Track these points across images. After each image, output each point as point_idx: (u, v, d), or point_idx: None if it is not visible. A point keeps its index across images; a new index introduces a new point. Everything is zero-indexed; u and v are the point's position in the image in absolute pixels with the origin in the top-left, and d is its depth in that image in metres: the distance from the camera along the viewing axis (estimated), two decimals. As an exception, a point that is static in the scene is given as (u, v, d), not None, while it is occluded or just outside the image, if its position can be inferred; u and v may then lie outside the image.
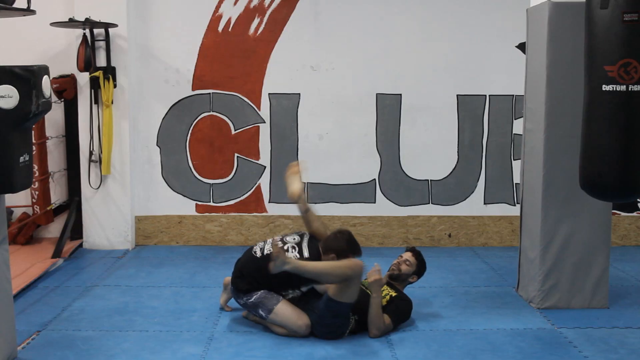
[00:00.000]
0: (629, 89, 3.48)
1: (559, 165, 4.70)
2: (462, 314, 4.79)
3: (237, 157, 6.66)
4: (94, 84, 6.25)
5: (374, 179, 6.70)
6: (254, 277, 4.40)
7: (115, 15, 6.21)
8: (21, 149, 3.66)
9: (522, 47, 6.14)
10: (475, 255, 6.44)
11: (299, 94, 6.62)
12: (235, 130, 6.64)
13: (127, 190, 6.51)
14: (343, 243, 4.44)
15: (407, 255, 4.71)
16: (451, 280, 5.60)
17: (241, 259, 4.62)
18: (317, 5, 6.53)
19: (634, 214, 6.79)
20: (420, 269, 4.72)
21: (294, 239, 4.57)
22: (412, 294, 5.23)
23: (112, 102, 6.29)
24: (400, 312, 4.45)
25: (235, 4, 6.52)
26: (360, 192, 6.70)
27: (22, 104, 3.53)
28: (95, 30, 6.21)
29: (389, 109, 6.64)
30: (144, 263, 6.08)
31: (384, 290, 4.51)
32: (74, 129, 6.48)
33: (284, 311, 4.33)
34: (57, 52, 6.51)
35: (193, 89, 6.59)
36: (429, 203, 6.74)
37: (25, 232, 6.52)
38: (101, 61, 6.28)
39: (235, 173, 6.68)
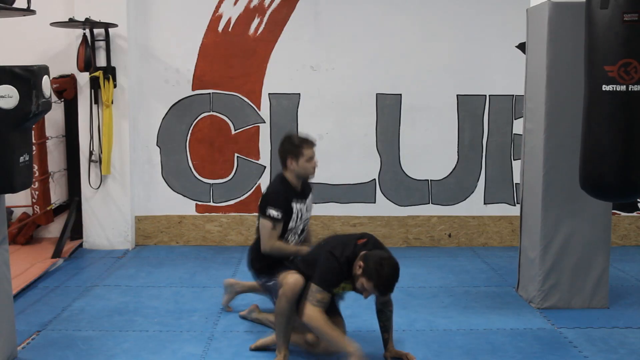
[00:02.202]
0: (629, 89, 3.48)
1: (559, 165, 4.70)
2: (462, 314, 4.79)
3: (237, 157, 6.66)
4: (94, 84, 6.26)
5: (374, 179, 6.70)
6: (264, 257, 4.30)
7: (115, 15, 6.21)
8: (21, 149, 3.66)
9: (522, 47, 6.14)
10: (475, 255, 6.44)
11: (299, 94, 6.62)
12: (235, 130, 6.64)
13: (127, 190, 6.51)
14: (292, 143, 4.28)
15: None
16: (451, 280, 5.60)
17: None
18: (317, 5, 6.53)
19: (634, 214, 6.79)
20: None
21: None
22: (411, 293, 5.24)
23: (112, 102, 6.29)
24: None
25: (235, 4, 6.52)
26: (360, 192, 6.70)
27: (22, 104, 3.54)
28: (95, 30, 6.21)
29: (389, 109, 6.64)
30: (144, 263, 6.08)
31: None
32: (74, 129, 6.48)
33: None
34: (57, 52, 6.51)
35: (193, 89, 6.59)
36: (429, 203, 6.74)
37: (25, 232, 6.52)
38: (101, 61, 6.28)
39: (235, 173, 6.68)
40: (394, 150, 6.67)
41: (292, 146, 4.25)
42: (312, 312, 3.69)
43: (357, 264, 3.70)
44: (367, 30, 6.57)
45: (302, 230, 4.40)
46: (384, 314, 4.02)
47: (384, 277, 3.64)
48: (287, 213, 4.23)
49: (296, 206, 4.28)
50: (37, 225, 6.65)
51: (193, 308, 4.87)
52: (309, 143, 4.28)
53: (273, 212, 4.16)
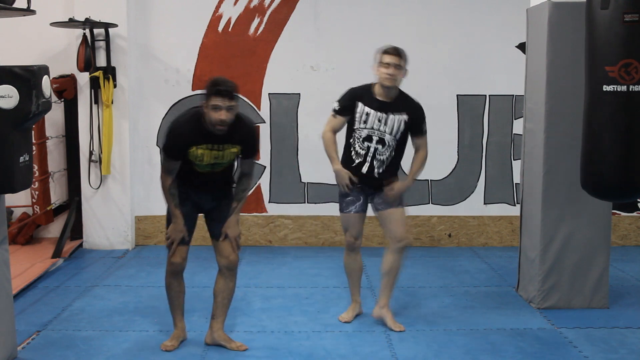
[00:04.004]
0: (630, 90, 3.47)
1: (559, 165, 4.71)
2: (462, 314, 4.79)
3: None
4: (94, 84, 6.26)
5: (374, 179, 6.69)
6: None
7: (115, 15, 6.21)
8: (21, 149, 3.66)
9: (522, 47, 6.14)
10: (475, 255, 6.44)
11: (299, 94, 6.62)
12: (235, 130, 6.63)
13: (127, 190, 6.51)
14: (380, 50, 4.43)
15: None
16: (451, 280, 5.60)
17: None
18: (317, 5, 6.53)
19: (634, 214, 6.79)
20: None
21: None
22: (411, 293, 5.24)
23: (112, 102, 6.29)
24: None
25: (235, 4, 6.52)
26: (360, 192, 6.69)
27: (22, 104, 3.54)
28: (95, 30, 6.20)
29: (389, 109, 6.63)
30: (144, 263, 6.08)
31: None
32: (74, 129, 6.47)
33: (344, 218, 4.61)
34: (57, 52, 6.51)
35: (193, 89, 6.59)
36: (429, 203, 6.74)
37: (25, 232, 6.52)
38: (101, 61, 6.28)
39: (235, 173, 6.67)
40: (394, 150, 6.67)
41: (379, 52, 4.38)
42: (161, 178, 4.02)
43: (205, 108, 3.87)
44: (367, 30, 6.56)
45: (373, 141, 4.39)
46: (241, 183, 4.21)
47: (212, 80, 3.90)
48: (347, 109, 4.41)
49: (363, 108, 4.37)
50: (37, 225, 6.64)
51: (193, 308, 4.87)
52: (389, 53, 4.36)
53: (334, 103, 4.46)
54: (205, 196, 4.17)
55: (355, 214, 4.55)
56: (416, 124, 4.48)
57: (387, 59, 4.34)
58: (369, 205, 4.59)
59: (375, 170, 4.41)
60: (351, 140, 4.44)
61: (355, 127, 4.40)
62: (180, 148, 3.93)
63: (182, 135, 3.94)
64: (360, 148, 4.39)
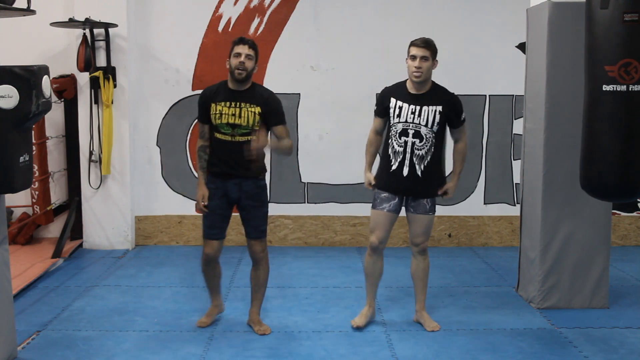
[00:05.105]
0: (630, 89, 3.47)
1: (559, 165, 4.71)
2: (462, 314, 4.79)
3: (237, 157, 6.65)
4: (94, 84, 6.26)
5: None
6: None
7: (115, 15, 6.21)
8: (21, 149, 3.66)
9: (522, 47, 6.14)
10: (475, 255, 6.44)
11: (299, 94, 6.62)
12: (235, 130, 6.64)
13: (127, 190, 6.51)
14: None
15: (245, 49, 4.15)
16: (451, 280, 5.61)
17: None
18: (317, 5, 6.53)
19: (634, 214, 6.79)
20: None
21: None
22: (411, 293, 5.24)
23: (112, 102, 6.29)
24: None
25: (235, 4, 6.52)
26: (360, 192, 6.69)
27: (22, 104, 3.54)
28: (95, 30, 6.21)
29: (389, 109, 6.64)
30: (144, 263, 6.08)
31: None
32: (74, 129, 6.48)
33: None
34: (57, 52, 6.51)
35: (193, 89, 6.59)
36: (429, 203, 6.73)
37: (25, 232, 6.52)
38: (101, 61, 6.28)
39: (235, 173, 6.67)
40: (394, 150, 6.67)
41: (409, 46, 4.38)
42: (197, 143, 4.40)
43: (229, 61, 4.16)
44: (367, 30, 6.57)
45: (409, 135, 4.32)
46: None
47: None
48: (382, 109, 4.46)
49: (397, 103, 4.37)
50: (37, 225, 6.64)
51: (193, 308, 4.87)
52: (415, 45, 4.33)
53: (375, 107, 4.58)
54: (231, 182, 4.28)
55: (388, 212, 4.48)
56: (453, 115, 4.40)
57: (413, 51, 4.30)
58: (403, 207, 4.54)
59: (417, 167, 4.32)
60: (389, 139, 4.40)
61: (391, 124, 4.38)
62: (204, 107, 4.26)
63: (205, 94, 4.29)
64: (398, 145, 4.34)
